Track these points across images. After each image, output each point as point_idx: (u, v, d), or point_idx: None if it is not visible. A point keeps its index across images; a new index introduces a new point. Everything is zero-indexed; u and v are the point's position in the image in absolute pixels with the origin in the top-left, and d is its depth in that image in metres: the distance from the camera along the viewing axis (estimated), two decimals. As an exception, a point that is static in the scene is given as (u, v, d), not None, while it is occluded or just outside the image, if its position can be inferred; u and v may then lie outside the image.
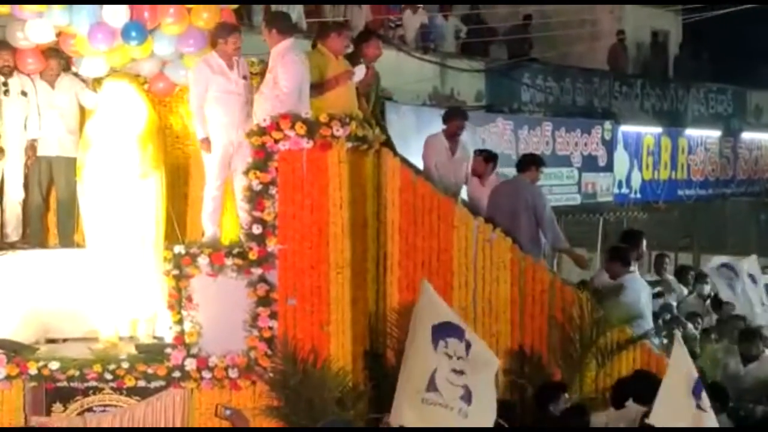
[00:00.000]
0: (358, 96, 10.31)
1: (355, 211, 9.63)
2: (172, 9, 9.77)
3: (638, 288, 10.83)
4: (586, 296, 10.07)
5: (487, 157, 11.74)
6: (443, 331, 8.68)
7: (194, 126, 10.04)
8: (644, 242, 11.86)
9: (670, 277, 15.61)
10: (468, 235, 10.08)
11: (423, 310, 8.73)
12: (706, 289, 15.18)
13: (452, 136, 11.45)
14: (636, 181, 20.80)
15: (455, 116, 11.70)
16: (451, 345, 8.61)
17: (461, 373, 8.49)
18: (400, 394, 8.58)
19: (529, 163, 11.53)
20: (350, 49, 10.64)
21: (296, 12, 15.73)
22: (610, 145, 20.00)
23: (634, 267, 11.16)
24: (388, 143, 10.83)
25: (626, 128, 20.71)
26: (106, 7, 9.67)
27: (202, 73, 9.87)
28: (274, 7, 15.42)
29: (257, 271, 9.46)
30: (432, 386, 8.46)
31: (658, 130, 21.76)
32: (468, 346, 8.59)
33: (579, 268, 10.99)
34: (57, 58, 10.34)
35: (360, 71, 10.22)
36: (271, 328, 9.41)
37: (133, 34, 9.76)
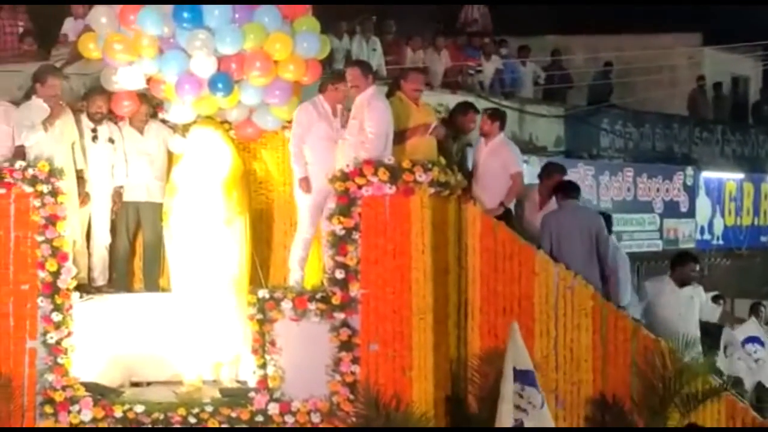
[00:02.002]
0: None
1: (437, 257, 9.67)
2: (258, 62, 9.89)
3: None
4: (668, 345, 9.97)
5: (492, 115, 10.80)
6: (525, 377, 8.91)
7: (293, 166, 10.11)
8: (696, 266, 11.56)
9: (766, 326, 15.49)
10: (549, 282, 10.01)
11: (510, 351, 8.94)
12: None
13: (549, 194, 10.81)
14: (718, 227, 20.59)
15: (556, 172, 11.13)
16: (528, 392, 8.89)
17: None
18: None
19: (576, 190, 10.93)
20: (422, 92, 10.53)
21: (376, 59, 15.88)
22: (691, 191, 19.86)
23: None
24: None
25: (708, 174, 20.54)
26: (194, 58, 9.82)
27: (307, 116, 10.02)
28: (355, 55, 15.63)
29: (340, 316, 9.52)
30: None
31: (740, 176, 21.55)
32: (544, 401, 8.98)
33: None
34: (147, 104, 10.52)
35: (441, 128, 10.26)
36: (353, 373, 9.46)
37: (220, 85, 9.89)
